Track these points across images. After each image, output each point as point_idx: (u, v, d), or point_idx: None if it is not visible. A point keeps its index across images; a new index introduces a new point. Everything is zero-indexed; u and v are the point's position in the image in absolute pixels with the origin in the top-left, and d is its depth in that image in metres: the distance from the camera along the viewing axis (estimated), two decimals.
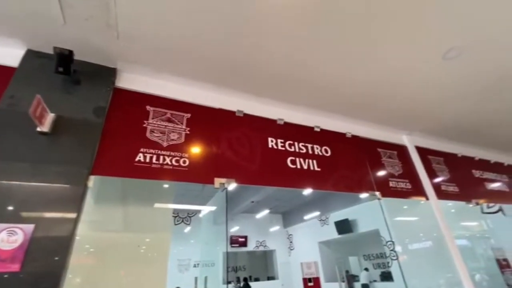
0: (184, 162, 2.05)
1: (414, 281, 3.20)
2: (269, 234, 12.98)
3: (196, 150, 2.17)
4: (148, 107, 2.17)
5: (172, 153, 2.04)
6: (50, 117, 1.72)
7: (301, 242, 12.58)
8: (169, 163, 1.99)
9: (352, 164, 3.01)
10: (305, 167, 2.66)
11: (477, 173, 4.15)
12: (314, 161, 2.74)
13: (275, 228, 13.04)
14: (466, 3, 1.91)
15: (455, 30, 2.15)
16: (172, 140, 2.11)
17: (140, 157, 1.92)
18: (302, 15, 1.89)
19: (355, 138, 3.25)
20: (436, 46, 2.29)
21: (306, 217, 11.43)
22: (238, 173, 2.26)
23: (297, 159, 2.66)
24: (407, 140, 3.69)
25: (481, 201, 3.82)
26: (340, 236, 10.39)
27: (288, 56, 2.25)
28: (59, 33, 1.85)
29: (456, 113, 3.43)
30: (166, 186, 2.50)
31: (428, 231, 3.33)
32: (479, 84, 2.88)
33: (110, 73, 2.14)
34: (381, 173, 3.16)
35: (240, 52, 2.16)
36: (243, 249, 12.31)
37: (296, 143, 2.76)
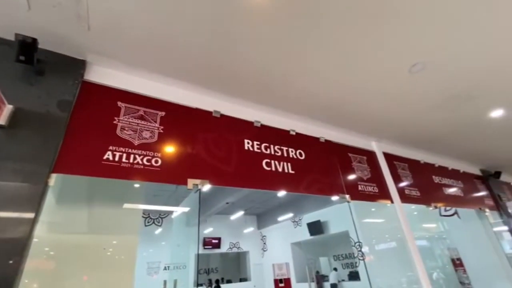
0: (156, 161, 1.99)
1: (378, 280, 3.39)
2: (243, 236, 12.97)
3: (169, 149, 2.12)
4: (119, 103, 2.08)
5: (144, 152, 1.97)
6: (7, 109, 1.59)
7: (275, 243, 12.72)
8: (140, 162, 1.92)
9: (324, 167, 3.12)
10: (280, 169, 2.70)
11: (436, 179, 4.49)
12: (289, 164, 2.80)
13: (249, 230, 13.06)
14: (426, 23, 2.08)
15: (419, 47, 2.32)
16: (144, 138, 2.04)
17: (108, 155, 1.83)
18: (278, 22, 1.93)
19: (328, 142, 3.37)
20: (403, 60, 2.46)
21: (280, 219, 11.59)
22: (212, 174, 2.24)
23: (273, 161, 2.69)
24: (376, 147, 3.90)
25: (439, 204, 4.13)
26: (312, 237, 10.67)
27: (265, 62, 2.28)
28: (23, 19, 1.72)
29: (419, 123, 3.69)
30: (137, 186, 2.41)
31: (392, 233, 3.54)
32: (440, 98, 3.13)
33: (78, 65, 2.03)
34: (351, 177, 3.30)
35: (219, 53, 2.15)
36: (216, 250, 12.18)
37: (272, 146, 2.80)
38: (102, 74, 2.12)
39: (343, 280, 10.25)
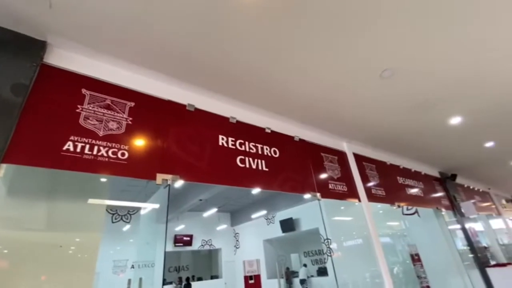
0: (123, 154, 1.88)
1: (344, 275, 3.53)
2: (216, 233, 12.86)
3: (138, 142, 2.01)
4: (84, 91, 1.93)
5: (109, 144, 1.85)
6: None
7: (247, 241, 12.78)
8: (105, 154, 1.80)
9: (297, 166, 3.17)
10: (254, 166, 2.69)
11: (400, 180, 4.78)
12: (263, 161, 2.80)
13: (223, 227, 12.98)
14: (397, 32, 2.18)
15: (390, 54, 2.43)
16: (111, 129, 1.91)
17: (69, 145, 1.70)
18: (259, 19, 1.91)
19: (302, 141, 3.43)
20: (375, 65, 2.56)
21: (253, 216, 11.66)
22: (184, 170, 2.17)
23: (247, 158, 2.68)
24: (347, 147, 4.05)
25: (402, 204, 4.40)
26: (284, 234, 10.88)
27: (244, 58, 2.25)
28: None
29: (388, 126, 3.89)
30: (103, 180, 2.27)
31: (359, 230, 3.70)
32: (407, 103, 3.32)
33: (37, 47, 1.85)
34: (323, 176, 3.40)
35: (196, 45, 2.08)
36: (188, 248, 11.96)
37: (247, 143, 2.78)
38: (64, 57, 1.95)
39: (312, 276, 10.58)
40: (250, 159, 2.70)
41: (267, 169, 2.78)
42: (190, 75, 2.41)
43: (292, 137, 3.35)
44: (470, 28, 2.24)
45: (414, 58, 2.52)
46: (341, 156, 3.86)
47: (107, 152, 1.82)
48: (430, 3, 1.97)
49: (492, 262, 5.83)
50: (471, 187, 7.74)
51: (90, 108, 1.91)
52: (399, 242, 5.32)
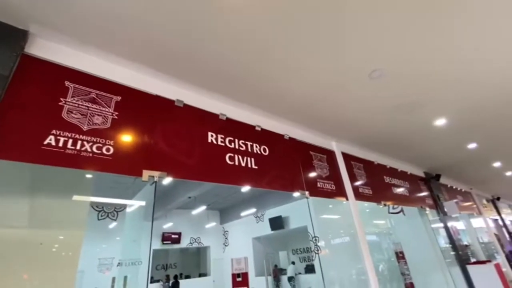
0: (108, 150, 1.83)
1: (331, 272, 3.58)
2: (205, 231, 12.80)
3: (124, 138, 1.96)
4: (67, 83, 1.87)
5: (94, 139, 1.80)
6: None
7: (236, 238, 12.78)
8: (89, 149, 1.75)
9: (287, 164, 3.18)
10: (243, 164, 2.68)
11: (387, 179, 4.88)
12: (252, 159, 2.79)
13: (211, 225, 12.93)
14: (385, 33, 2.21)
15: (379, 55, 2.46)
16: (95, 124, 1.86)
17: (50, 140, 1.63)
18: (250, 16, 1.89)
19: (291, 140, 3.44)
20: (364, 65, 2.59)
21: (243, 214, 11.66)
22: (172, 167, 2.14)
23: (236, 156, 2.66)
24: (336, 146, 4.09)
25: (388, 202, 4.50)
26: (273, 232, 10.93)
27: (235, 55, 2.23)
28: None
29: (376, 126, 3.95)
30: (89, 176, 2.21)
31: (347, 228, 3.75)
32: (395, 104, 3.37)
33: (18, 36, 1.77)
34: (311, 174, 3.42)
35: (185, 40, 2.04)
36: (176, 246, 11.85)
37: (236, 140, 2.76)
38: (47, 48, 1.88)
39: (299, 273, 10.70)
40: (240, 156, 2.69)
41: (256, 167, 2.78)
42: (179, 70, 2.37)
43: (282, 136, 3.35)
44: (457, 31, 2.30)
45: (402, 59, 2.57)
46: (329, 155, 3.90)
47: (91, 147, 1.76)
48: (421, 4, 2.00)
49: (473, 260, 6.05)
50: (454, 187, 8.00)
51: (74, 101, 1.85)
52: (385, 240, 5.44)
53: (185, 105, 2.49)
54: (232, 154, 2.63)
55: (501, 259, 7.97)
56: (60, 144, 1.66)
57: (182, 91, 2.53)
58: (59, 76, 1.86)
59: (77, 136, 1.74)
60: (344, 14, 1.99)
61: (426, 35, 2.29)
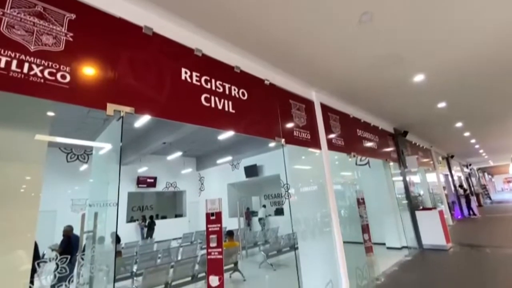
0: (64, 77, 1.60)
1: (298, 214, 3.88)
2: (181, 176, 13.06)
3: (82, 64, 1.71)
4: None
5: (45, 63, 1.54)
6: None
7: (212, 184, 13.30)
8: (39, 74, 1.51)
9: (265, 110, 3.10)
10: (220, 107, 2.55)
11: (359, 132, 5.05)
12: (230, 102, 2.66)
13: (188, 171, 13.17)
14: None
15: None
16: (45, 44, 1.58)
17: None
18: None
19: (272, 86, 3.30)
20: (354, 7, 2.39)
21: (219, 161, 11.92)
22: (140, 102, 1.96)
23: (213, 97, 2.51)
24: (315, 97, 4.04)
25: (358, 154, 4.74)
26: (247, 179, 11.46)
27: None
28: None
29: (356, 79, 3.89)
30: (51, 114, 1.98)
31: (316, 178, 3.95)
32: (378, 54, 3.27)
33: None
34: (289, 123, 3.40)
35: None
36: (152, 189, 12.09)
37: (213, 80, 2.57)
38: None
39: (270, 215, 11.68)
40: (216, 98, 2.54)
41: (233, 111, 2.67)
42: None
43: (262, 80, 3.19)
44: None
45: (394, 1, 2.39)
46: (308, 105, 3.86)
47: (42, 71, 1.52)
48: None
49: (421, 207, 6.89)
50: (417, 144, 8.61)
51: (15, 13, 1.52)
52: (349, 189, 5.91)
53: (155, 34, 2.19)
54: (208, 95, 2.47)
55: (444, 207, 9.21)
56: (2, 65, 1.40)
57: (151, 16, 2.20)
58: None
59: (22, 56, 1.47)
60: None
61: None
